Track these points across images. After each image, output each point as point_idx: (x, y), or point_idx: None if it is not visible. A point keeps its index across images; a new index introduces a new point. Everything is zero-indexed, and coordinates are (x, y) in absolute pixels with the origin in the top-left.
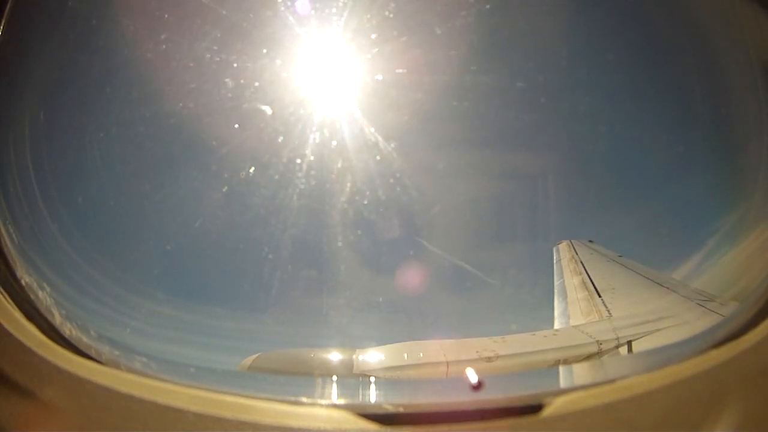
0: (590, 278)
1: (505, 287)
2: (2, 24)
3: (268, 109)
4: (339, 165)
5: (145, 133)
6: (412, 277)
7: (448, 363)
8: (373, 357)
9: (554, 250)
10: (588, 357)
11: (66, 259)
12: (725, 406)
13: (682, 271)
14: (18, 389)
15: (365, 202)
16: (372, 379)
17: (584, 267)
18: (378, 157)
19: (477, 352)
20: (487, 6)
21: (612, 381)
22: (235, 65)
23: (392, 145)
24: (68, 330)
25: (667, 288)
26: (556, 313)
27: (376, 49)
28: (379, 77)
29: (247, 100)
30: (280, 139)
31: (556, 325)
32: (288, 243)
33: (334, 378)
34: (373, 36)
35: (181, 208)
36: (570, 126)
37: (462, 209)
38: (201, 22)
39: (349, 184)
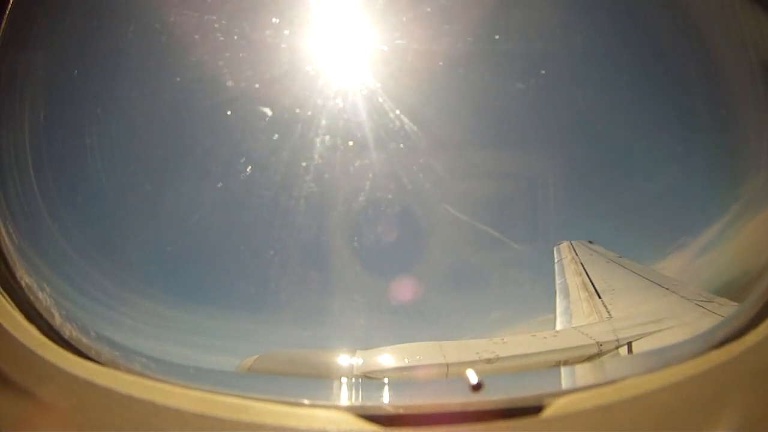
0: (590, 279)
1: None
2: (2, 24)
3: (268, 111)
4: (348, 159)
5: (145, 133)
6: (415, 277)
7: (448, 364)
8: (373, 358)
9: (555, 249)
10: (588, 358)
11: (66, 259)
12: (725, 406)
13: (683, 256)
14: (18, 389)
15: (368, 195)
16: (372, 380)
17: (584, 268)
18: (392, 142)
19: (477, 353)
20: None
21: (612, 382)
22: (237, 48)
23: (406, 129)
24: (68, 330)
25: (667, 288)
26: (558, 311)
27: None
28: (398, 53)
29: (246, 93)
30: (278, 135)
31: (558, 324)
32: (291, 239)
33: (335, 379)
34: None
35: (182, 207)
36: (570, 126)
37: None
38: (203, 9)
39: (355, 176)
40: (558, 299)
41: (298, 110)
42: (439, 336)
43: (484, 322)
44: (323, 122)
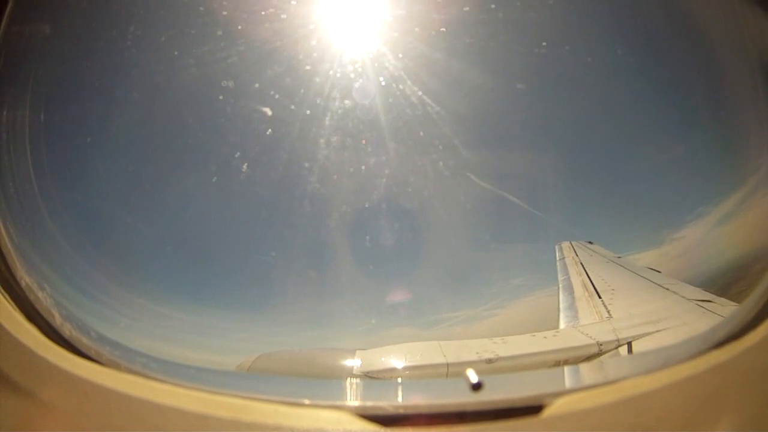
0: (590, 279)
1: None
2: (2, 24)
3: (268, 111)
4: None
5: (146, 132)
6: (445, 250)
7: (448, 364)
8: (373, 358)
9: (556, 248)
10: (588, 358)
11: (66, 259)
12: (725, 406)
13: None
14: (18, 389)
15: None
16: (372, 380)
17: (584, 268)
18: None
19: (477, 353)
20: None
21: (612, 382)
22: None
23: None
24: (68, 330)
25: (667, 288)
26: (561, 307)
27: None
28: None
29: (249, 95)
30: (275, 129)
31: (562, 319)
32: (293, 237)
33: (335, 379)
34: None
35: (183, 206)
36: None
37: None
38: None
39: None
40: (561, 296)
41: (294, 104)
42: (467, 297)
43: (507, 287)
44: (328, 118)
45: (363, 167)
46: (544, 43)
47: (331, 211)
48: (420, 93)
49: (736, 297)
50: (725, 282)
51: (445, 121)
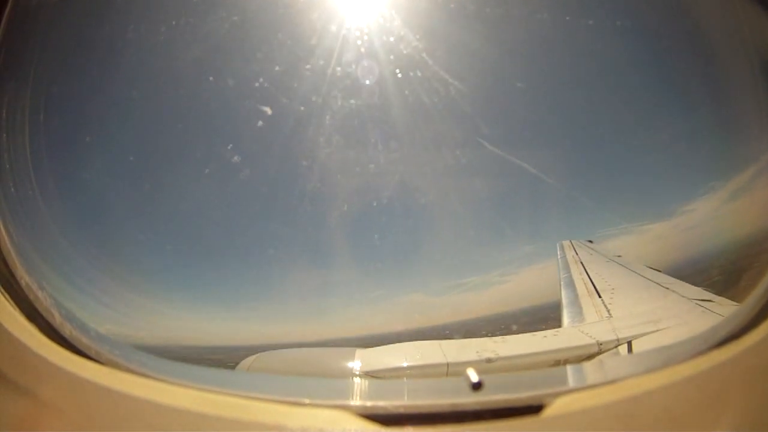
0: (590, 278)
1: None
2: (2, 24)
3: (268, 109)
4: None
5: (145, 131)
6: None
7: (448, 363)
8: (373, 357)
9: (558, 246)
10: (588, 357)
11: (66, 259)
12: (725, 406)
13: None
14: (18, 389)
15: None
16: (372, 379)
17: (584, 267)
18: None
19: (477, 352)
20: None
21: (612, 381)
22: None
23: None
24: (68, 330)
25: (667, 288)
26: (564, 303)
27: None
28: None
29: (249, 94)
30: (274, 119)
31: (564, 315)
32: (304, 211)
33: (335, 378)
34: None
35: (182, 206)
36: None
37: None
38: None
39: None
40: (563, 292)
41: (293, 89)
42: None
43: (518, 254)
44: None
45: (372, 133)
46: (547, 24)
47: (339, 179)
48: (427, 57)
49: (739, 291)
50: (734, 258)
51: (458, 88)
